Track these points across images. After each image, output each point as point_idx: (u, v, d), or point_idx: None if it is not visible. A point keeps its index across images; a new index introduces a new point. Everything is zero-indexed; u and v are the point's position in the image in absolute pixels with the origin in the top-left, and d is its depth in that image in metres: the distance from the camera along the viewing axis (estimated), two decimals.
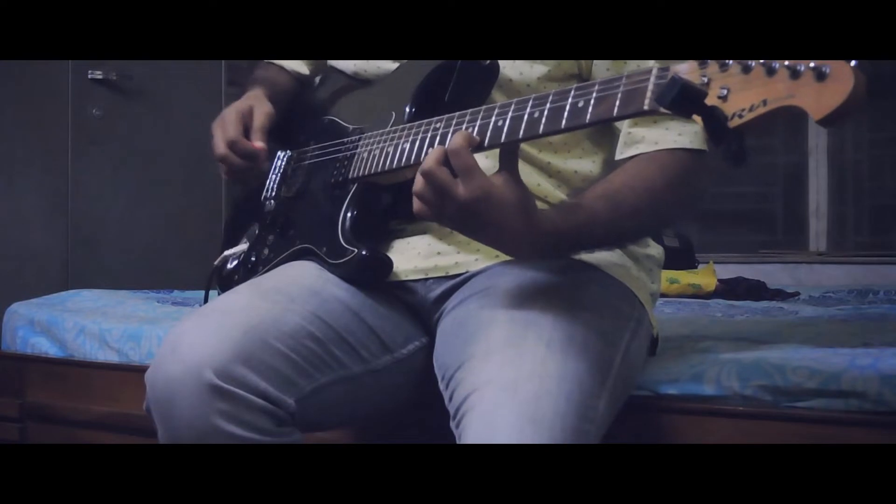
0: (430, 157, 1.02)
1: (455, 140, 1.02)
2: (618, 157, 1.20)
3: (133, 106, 3.08)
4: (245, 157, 1.32)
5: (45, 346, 1.91)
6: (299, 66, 1.53)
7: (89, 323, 1.85)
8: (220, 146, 1.32)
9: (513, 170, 1.03)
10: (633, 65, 1.16)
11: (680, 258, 3.08)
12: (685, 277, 2.80)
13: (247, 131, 1.33)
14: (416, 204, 1.05)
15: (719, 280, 2.87)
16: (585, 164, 1.27)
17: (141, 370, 1.14)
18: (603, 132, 1.26)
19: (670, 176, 1.14)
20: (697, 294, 2.74)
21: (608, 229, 1.09)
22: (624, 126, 1.19)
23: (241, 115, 1.33)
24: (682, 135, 1.14)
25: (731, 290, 2.83)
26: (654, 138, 1.16)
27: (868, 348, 1.27)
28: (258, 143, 1.32)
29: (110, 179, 3.02)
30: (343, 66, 1.41)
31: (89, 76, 2.95)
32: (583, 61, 1.24)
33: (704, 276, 2.85)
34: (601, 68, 1.22)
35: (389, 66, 1.34)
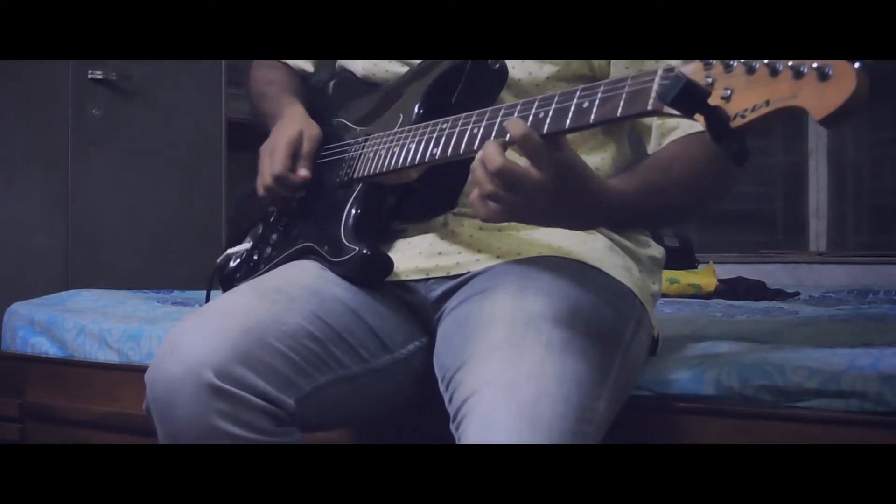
0: (493, 153, 0.96)
1: (518, 127, 0.97)
2: (653, 149, 1.21)
3: (133, 106, 3.08)
4: (290, 189, 1.31)
5: (45, 346, 1.91)
6: (304, 65, 1.53)
7: (89, 323, 1.85)
8: (266, 179, 1.29)
9: (564, 142, 0.99)
10: (650, 64, 1.17)
11: (680, 258, 3.08)
12: (685, 277, 2.80)
13: (294, 156, 1.31)
14: (487, 206, 0.99)
15: (719, 280, 2.88)
16: (594, 159, 1.27)
17: (141, 370, 1.14)
18: (612, 128, 1.26)
19: (711, 152, 1.13)
20: (697, 294, 2.74)
21: (660, 199, 1.10)
22: (654, 121, 1.20)
23: (292, 145, 1.30)
24: None
25: (731, 290, 2.83)
26: (688, 124, 1.16)
27: (868, 348, 1.27)
28: (303, 173, 1.30)
29: (110, 179, 3.02)
30: (352, 68, 1.40)
31: (89, 76, 2.95)
32: (594, 61, 1.24)
33: (704, 276, 2.85)
34: (620, 67, 1.22)
35: (398, 68, 1.34)
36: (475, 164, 1.00)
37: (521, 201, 0.98)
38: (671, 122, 1.19)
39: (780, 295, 2.82)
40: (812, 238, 4.06)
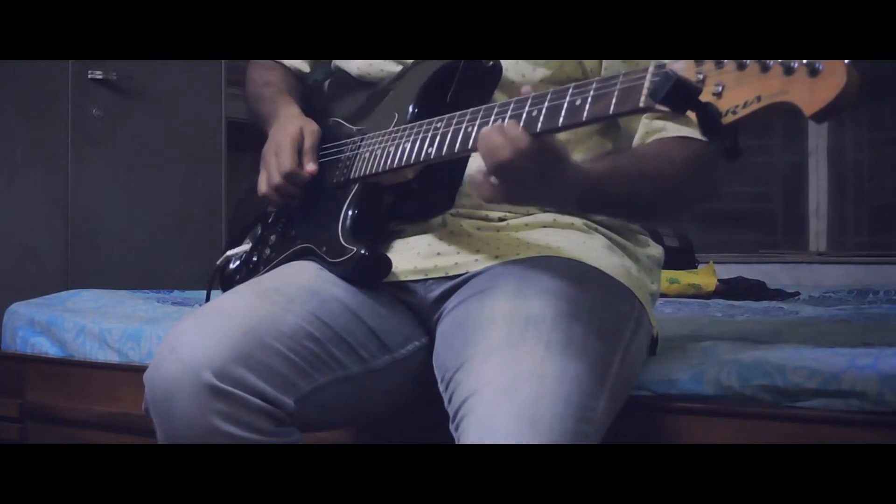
0: (520, 132, 0.99)
1: (515, 131, 1.00)
2: (636, 144, 1.23)
3: (133, 106, 3.08)
4: (299, 185, 1.31)
5: (45, 346, 1.91)
6: (300, 65, 1.53)
7: (89, 323, 1.85)
8: (275, 178, 1.29)
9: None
10: (643, 65, 1.16)
11: (680, 258, 3.09)
12: (685, 277, 2.80)
13: (299, 153, 1.31)
14: (491, 186, 1.02)
15: (719, 280, 2.88)
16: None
17: (141, 370, 1.14)
18: (608, 129, 1.26)
19: (692, 155, 1.16)
20: (697, 294, 2.74)
21: (630, 188, 1.12)
22: (643, 119, 1.22)
23: (296, 142, 1.30)
24: None
25: (731, 290, 2.83)
26: (676, 127, 1.18)
27: (868, 348, 1.27)
28: (311, 167, 1.30)
29: (110, 179, 3.02)
30: (347, 68, 1.41)
31: (89, 76, 2.95)
32: (587, 64, 1.24)
33: (704, 276, 2.85)
34: (612, 70, 1.22)
35: (393, 68, 1.34)
36: (494, 143, 1.00)
37: (516, 184, 1.01)
38: (658, 123, 1.20)
39: (780, 295, 2.82)
40: (812, 238, 4.06)
